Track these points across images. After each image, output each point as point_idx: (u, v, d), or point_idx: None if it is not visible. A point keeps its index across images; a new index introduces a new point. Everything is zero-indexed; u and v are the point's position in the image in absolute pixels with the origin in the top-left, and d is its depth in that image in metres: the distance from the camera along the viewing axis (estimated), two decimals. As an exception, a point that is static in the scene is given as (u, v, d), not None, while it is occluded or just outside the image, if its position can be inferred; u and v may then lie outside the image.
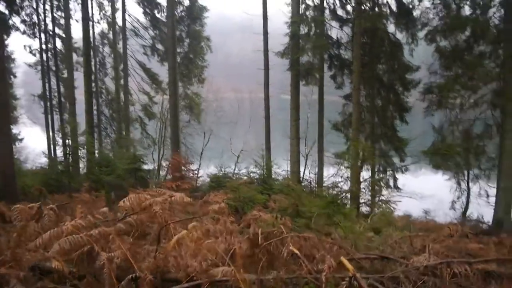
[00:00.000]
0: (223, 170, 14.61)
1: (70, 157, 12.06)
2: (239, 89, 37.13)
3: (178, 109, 19.33)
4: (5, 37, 25.56)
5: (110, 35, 26.27)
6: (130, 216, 4.05)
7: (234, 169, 14.55)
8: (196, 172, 13.84)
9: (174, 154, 14.73)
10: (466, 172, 17.73)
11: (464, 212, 18.52)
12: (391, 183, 18.10)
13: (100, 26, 27.97)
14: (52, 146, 23.95)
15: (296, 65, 16.97)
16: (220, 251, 3.40)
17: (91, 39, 24.99)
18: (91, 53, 25.40)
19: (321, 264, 3.23)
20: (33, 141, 32.00)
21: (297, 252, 3.35)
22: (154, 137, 26.07)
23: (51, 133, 25.37)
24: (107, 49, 27.22)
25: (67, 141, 12.22)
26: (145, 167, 13.66)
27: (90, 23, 25.25)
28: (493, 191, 16.16)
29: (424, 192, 17.46)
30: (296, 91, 17.13)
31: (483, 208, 17.30)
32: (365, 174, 19.09)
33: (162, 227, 3.52)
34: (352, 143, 17.33)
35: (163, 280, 3.08)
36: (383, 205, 14.63)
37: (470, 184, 18.21)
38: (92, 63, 25.83)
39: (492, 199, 15.88)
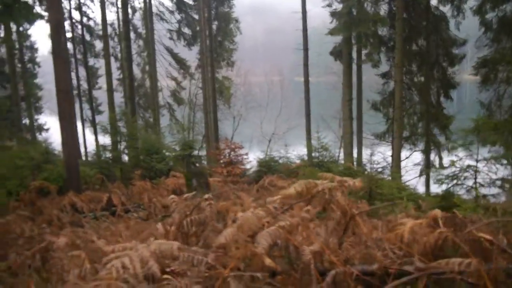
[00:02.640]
0: (269, 154, 14.25)
1: (120, 144, 11.77)
2: (262, 73, 36.64)
3: (216, 93, 18.91)
4: (28, 26, 25.31)
5: (134, 20, 25.82)
6: (293, 205, 3.67)
7: (284, 153, 14.14)
8: (246, 156, 13.47)
9: (224, 139, 14.44)
10: None
11: None
12: (437, 163, 17.57)
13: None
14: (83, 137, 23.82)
15: (349, 42, 16.35)
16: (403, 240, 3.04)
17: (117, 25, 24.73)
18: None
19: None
20: (57, 131, 31.93)
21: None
22: (182, 123, 25.79)
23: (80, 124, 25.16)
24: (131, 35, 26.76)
25: (115, 129, 11.83)
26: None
27: (114, 8, 24.98)
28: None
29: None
30: (349, 70, 16.55)
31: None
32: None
33: (351, 216, 3.16)
34: (396, 122, 16.87)
35: (363, 274, 2.74)
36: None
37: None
38: (118, 49, 25.58)
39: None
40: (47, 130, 25.29)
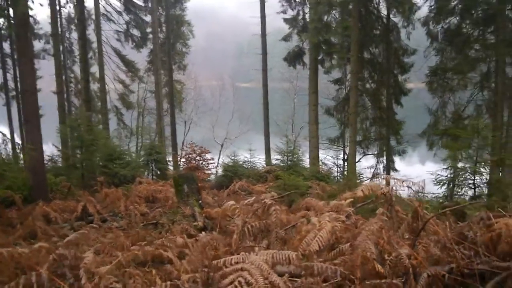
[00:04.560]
0: (233, 159, 14.08)
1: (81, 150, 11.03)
2: (212, 77, 36.38)
3: (173, 98, 18.39)
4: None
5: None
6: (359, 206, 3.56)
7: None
8: (212, 161, 13.19)
9: (189, 144, 14.02)
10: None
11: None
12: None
13: (66, 10, 25.88)
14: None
15: (317, 47, 16.59)
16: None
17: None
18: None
19: None
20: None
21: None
22: (130, 128, 24.86)
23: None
24: (74, 35, 25.33)
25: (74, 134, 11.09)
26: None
27: (56, 7, 23.50)
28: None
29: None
30: (315, 76, 16.76)
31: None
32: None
33: (426, 218, 3.09)
34: (351, 127, 17.39)
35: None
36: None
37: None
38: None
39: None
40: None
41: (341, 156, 20.67)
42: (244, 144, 24.20)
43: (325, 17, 15.50)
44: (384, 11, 18.16)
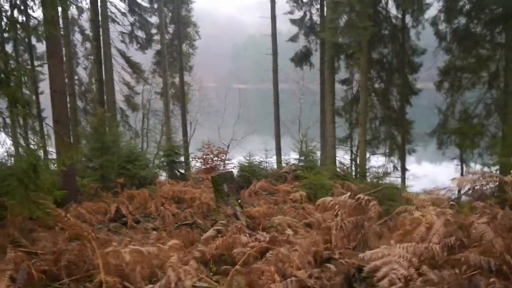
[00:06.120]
0: (249, 159, 14.02)
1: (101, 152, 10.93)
2: (209, 79, 36.34)
3: (185, 99, 18.33)
4: None
5: (81, 21, 24.46)
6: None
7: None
8: (229, 161, 13.14)
9: (206, 144, 13.96)
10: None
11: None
12: (398, 166, 18.38)
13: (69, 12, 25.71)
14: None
15: (334, 47, 16.58)
16: None
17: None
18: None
19: None
20: None
21: None
22: (136, 129, 24.76)
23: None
24: (78, 37, 25.20)
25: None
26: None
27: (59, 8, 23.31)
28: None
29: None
30: (332, 75, 16.74)
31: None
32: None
33: None
34: (361, 127, 17.42)
35: None
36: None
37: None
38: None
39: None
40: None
41: (348, 155, 20.80)
42: (249, 145, 24.27)
43: (343, 17, 15.45)
44: (393, 11, 18.26)
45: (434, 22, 17.65)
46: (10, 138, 5.19)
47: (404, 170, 17.04)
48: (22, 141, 4.93)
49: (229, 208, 6.55)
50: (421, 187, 15.21)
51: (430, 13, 17.40)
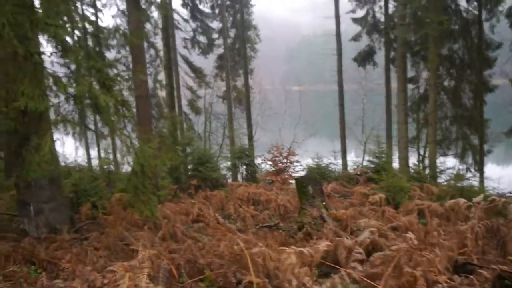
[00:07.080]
0: (317, 161, 13.90)
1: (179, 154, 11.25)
2: (264, 81, 36.52)
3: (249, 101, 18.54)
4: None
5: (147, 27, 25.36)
6: None
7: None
8: (298, 163, 13.11)
9: (275, 147, 14.07)
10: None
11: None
12: (471, 167, 17.48)
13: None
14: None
15: (406, 45, 16.17)
16: None
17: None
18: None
19: None
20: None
21: None
22: (199, 133, 25.31)
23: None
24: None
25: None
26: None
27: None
28: None
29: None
30: (404, 74, 16.32)
31: None
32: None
33: None
34: (431, 127, 16.72)
35: None
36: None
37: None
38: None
39: None
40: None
41: (415, 157, 20.02)
42: (310, 147, 24.09)
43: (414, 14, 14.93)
44: (463, 3, 17.39)
45: (509, 14, 16.67)
46: (122, 142, 5.37)
47: (482, 172, 16.14)
48: (129, 143, 5.13)
49: (314, 210, 6.47)
50: (502, 189, 14.46)
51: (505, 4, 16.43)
